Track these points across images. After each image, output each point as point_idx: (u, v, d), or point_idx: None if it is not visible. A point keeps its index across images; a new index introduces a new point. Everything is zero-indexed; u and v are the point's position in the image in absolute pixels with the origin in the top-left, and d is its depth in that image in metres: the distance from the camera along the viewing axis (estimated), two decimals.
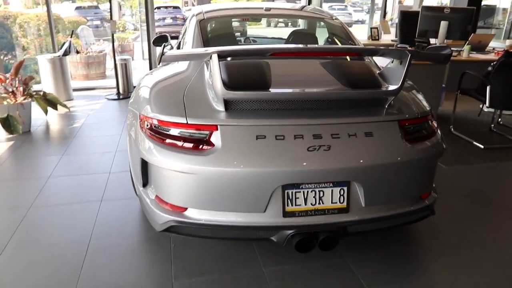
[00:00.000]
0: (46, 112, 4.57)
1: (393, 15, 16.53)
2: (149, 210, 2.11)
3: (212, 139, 1.87)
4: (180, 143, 1.90)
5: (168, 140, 1.93)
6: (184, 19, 16.35)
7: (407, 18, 5.76)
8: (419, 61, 4.16)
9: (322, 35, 3.28)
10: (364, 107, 2.06)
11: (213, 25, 3.17)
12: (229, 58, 2.21)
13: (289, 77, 2.27)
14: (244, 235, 2.03)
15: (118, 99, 5.90)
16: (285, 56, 2.33)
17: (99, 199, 2.88)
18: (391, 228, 2.28)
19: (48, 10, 6.09)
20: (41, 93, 4.59)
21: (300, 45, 2.88)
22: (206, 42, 2.65)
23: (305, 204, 1.91)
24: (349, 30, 3.05)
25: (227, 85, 1.89)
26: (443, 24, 4.61)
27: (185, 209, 1.97)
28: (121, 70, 6.09)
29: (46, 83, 5.64)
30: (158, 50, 6.50)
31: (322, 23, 3.30)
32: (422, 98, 2.28)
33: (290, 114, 1.96)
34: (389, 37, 6.90)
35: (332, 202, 1.93)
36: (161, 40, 4.04)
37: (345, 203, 1.94)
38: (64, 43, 5.74)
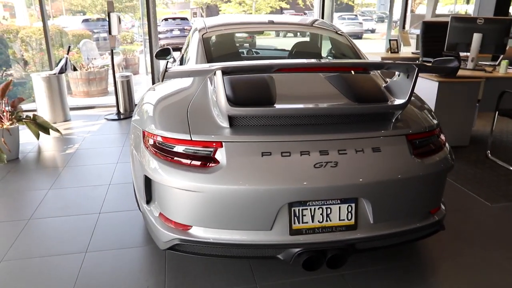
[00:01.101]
0: (37, 136, 4.17)
1: (405, 25, 16.01)
2: (153, 228, 2.05)
3: (217, 156, 1.83)
4: (184, 161, 1.85)
5: (172, 157, 1.88)
6: None
7: (431, 30, 5.30)
8: (449, 78, 3.78)
9: (325, 48, 3.23)
10: (370, 121, 2.02)
11: (217, 40, 3.03)
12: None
13: (294, 92, 2.21)
14: (250, 253, 1.95)
15: (118, 119, 5.48)
16: (290, 71, 2.28)
17: (84, 250, 2.43)
18: (400, 245, 2.18)
19: (44, 24, 5.73)
20: (31, 116, 4.19)
21: (305, 60, 2.80)
22: (210, 58, 2.58)
23: (312, 221, 1.86)
24: (354, 43, 2.95)
25: (232, 101, 1.85)
26: (476, 37, 4.12)
27: (190, 227, 1.91)
28: (121, 88, 5.68)
29: (41, 103, 5.26)
30: (162, 64, 6.15)
31: (326, 36, 3.24)
32: (429, 111, 2.23)
33: (296, 130, 1.92)
34: (409, 50, 6.41)
35: (339, 219, 1.88)
36: (163, 53, 3.87)
37: (353, 220, 1.88)
38: (60, 59, 5.36)
